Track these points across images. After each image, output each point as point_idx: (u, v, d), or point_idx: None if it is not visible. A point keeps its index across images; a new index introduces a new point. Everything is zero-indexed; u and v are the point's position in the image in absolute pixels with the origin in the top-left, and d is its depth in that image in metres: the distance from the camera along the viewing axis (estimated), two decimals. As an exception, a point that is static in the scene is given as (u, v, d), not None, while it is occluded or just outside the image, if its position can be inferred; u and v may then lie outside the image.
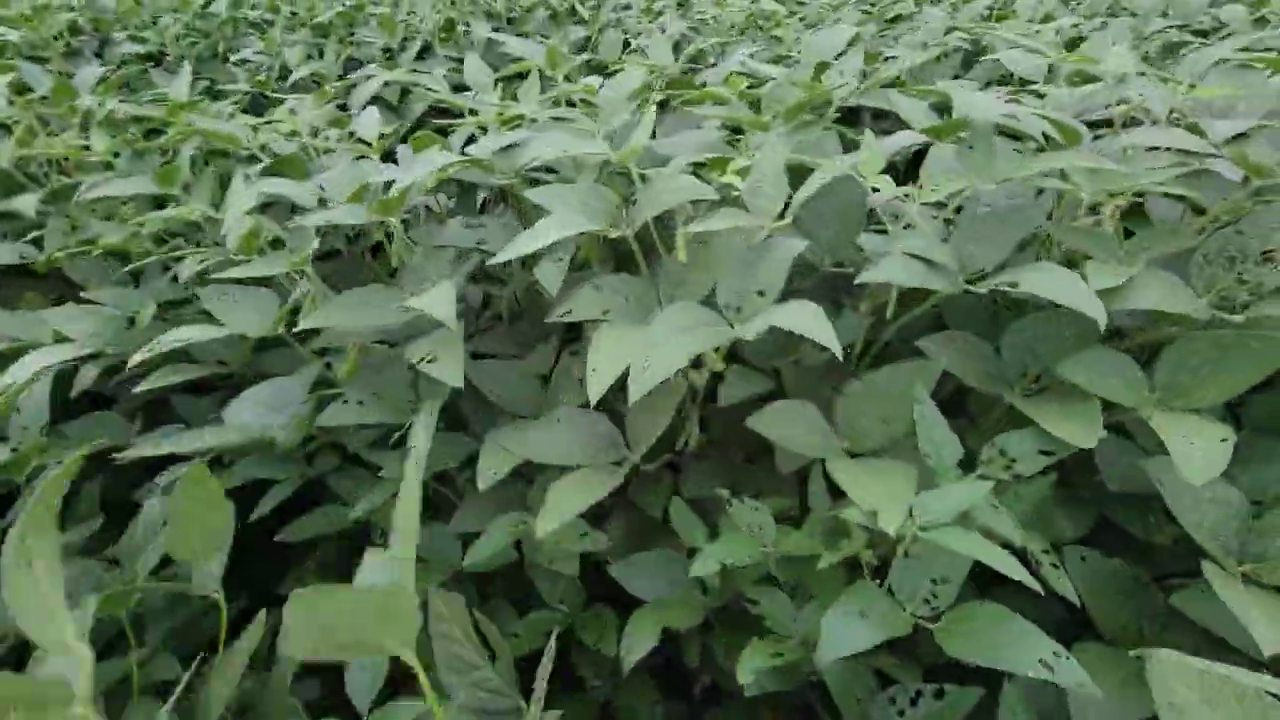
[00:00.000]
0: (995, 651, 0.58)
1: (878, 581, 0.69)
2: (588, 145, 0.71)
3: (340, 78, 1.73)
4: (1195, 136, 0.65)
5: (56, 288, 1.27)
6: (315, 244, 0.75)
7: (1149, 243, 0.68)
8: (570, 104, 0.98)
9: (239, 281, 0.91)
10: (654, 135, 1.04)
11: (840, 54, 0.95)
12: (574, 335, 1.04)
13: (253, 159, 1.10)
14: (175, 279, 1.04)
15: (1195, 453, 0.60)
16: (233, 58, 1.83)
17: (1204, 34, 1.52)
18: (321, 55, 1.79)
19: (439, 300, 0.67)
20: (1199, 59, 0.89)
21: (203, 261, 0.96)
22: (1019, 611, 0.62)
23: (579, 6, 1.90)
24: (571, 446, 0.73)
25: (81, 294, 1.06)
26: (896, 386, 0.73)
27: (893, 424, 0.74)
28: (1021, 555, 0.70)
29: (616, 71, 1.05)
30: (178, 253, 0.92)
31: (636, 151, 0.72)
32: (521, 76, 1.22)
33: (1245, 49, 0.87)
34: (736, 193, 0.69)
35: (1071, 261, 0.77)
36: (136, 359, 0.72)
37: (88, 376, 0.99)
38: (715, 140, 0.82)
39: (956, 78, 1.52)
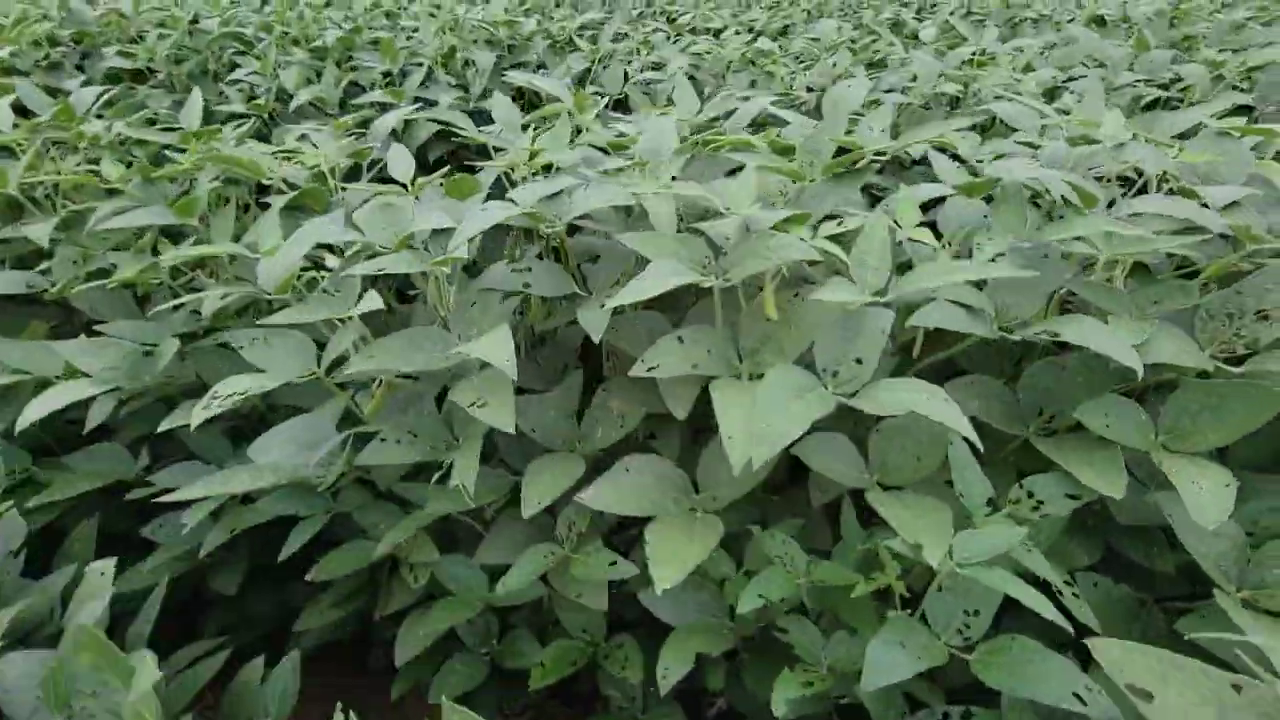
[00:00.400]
0: (1032, 684, 0.62)
1: (908, 611, 0.73)
2: (686, 189, 0.72)
3: (341, 103, 1.73)
4: (1197, 205, 0.72)
5: (56, 314, 1.23)
6: (370, 297, 0.76)
7: (1157, 298, 0.74)
8: (600, 149, 1.01)
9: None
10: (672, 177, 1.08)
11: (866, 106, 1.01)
12: (593, 363, 1.06)
13: (269, 189, 1.10)
14: (195, 313, 1.03)
15: (1204, 497, 0.66)
16: (226, 78, 1.81)
17: (1165, 87, 1.64)
18: (319, 78, 1.78)
19: (497, 347, 0.69)
20: (1176, 120, 0.97)
21: (225, 297, 0.96)
22: (1031, 627, 0.66)
23: (577, 38, 1.94)
24: (644, 497, 0.75)
25: (93, 326, 1.03)
26: (929, 426, 0.78)
27: (924, 461, 0.79)
28: (1045, 586, 0.75)
29: (637, 112, 1.08)
30: (200, 294, 0.91)
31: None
32: (532, 107, 1.25)
33: (1219, 115, 0.95)
34: (831, 257, 0.72)
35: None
36: (200, 417, 0.71)
37: (102, 411, 0.97)
38: (761, 189, 0.86)
39: (947, 116, 1.61)
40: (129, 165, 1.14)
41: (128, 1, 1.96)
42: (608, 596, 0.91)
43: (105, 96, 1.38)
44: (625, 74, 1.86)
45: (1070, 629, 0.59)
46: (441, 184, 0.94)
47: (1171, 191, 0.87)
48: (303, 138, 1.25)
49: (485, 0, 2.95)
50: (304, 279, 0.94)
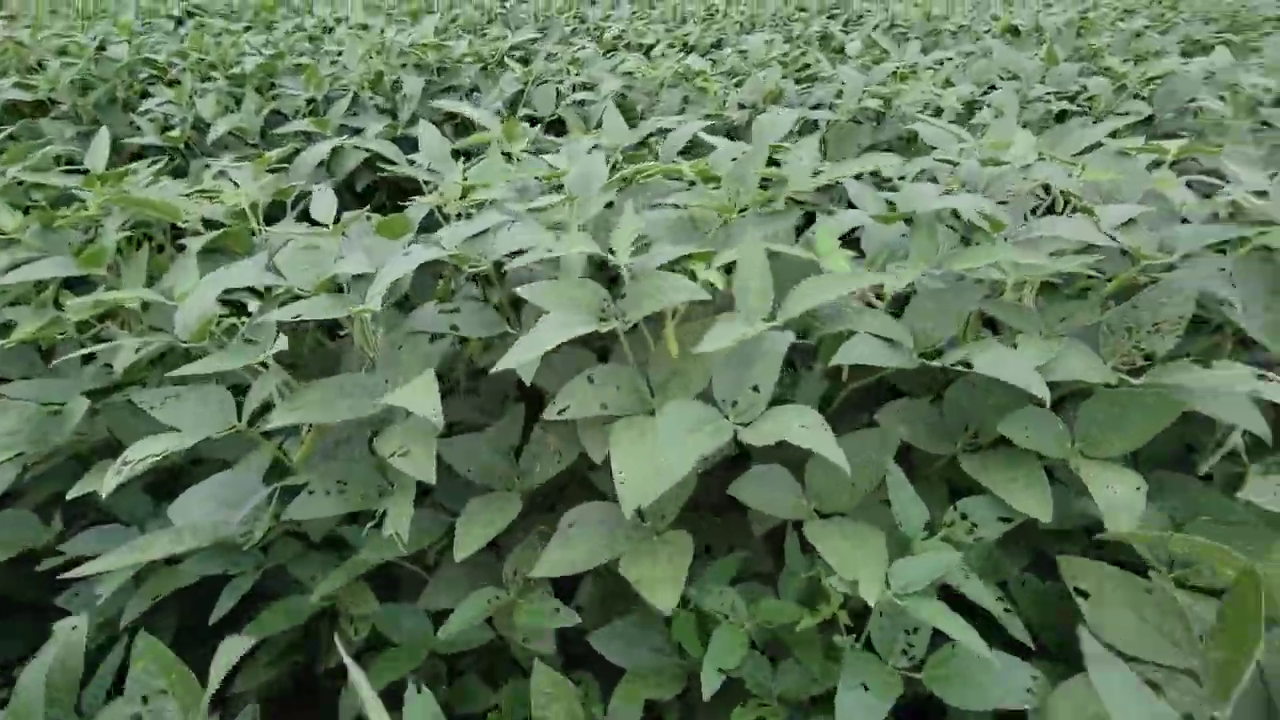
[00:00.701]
0: (987, 692, 0.64)
1: (853, 637, 0.74)
2: (581, 244, 0.73)
3: (263, 132, 1.67)
4: (1093, 228, 0.75)
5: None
6: (279, 341, 0.73)
7: (1065, 314, 0.78)
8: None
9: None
10: (610, 205, 1.08)
11: (791, 133, 1.03)
12: (535, 398, 1.05)
13: (186, 232, 1.05)
14: (107, 366, 0.97)
15: (1117, 500, 0.69)
16: (138, 108, 1.73)
17: (1073, 98, 1.72)
18: (239, 106, 1.72)
19: (422, 395, 0.67)
20: (1082, 137, 1.02)
21: (139, 350, 0.91)
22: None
23: (509, 59, 1.92)
24: (595, 545, 0.75)
25: (-9, 385, 0.97)
26: (863, 452, 0.80)
27: (859, 486, 0.80)
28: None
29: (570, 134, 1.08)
30: (111, 343, 0.86)
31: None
32: (469, 131, 1.23)
33: (1125, 127, 1.01)
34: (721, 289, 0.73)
35: (996, 330, 0.87)
36: (112, 484, 0.67)
37: (4, 480, 0.91)
38: (685, 222, 0.87)
39: (873, 130, 1.65)
40: (27, 211, 1.08)
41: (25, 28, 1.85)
42: (562, 634, 0.90)
43: (12, 149, 1.30)
44: (558, 94, 1.85)
45: (988, 654, 0.61)
46: (369, 220, 0.91)
47: (1075, 210, 0.92)
48: (221, 174, 1.21)
49: (416, 21, 2.91)
50: (224, 325, 0.90)
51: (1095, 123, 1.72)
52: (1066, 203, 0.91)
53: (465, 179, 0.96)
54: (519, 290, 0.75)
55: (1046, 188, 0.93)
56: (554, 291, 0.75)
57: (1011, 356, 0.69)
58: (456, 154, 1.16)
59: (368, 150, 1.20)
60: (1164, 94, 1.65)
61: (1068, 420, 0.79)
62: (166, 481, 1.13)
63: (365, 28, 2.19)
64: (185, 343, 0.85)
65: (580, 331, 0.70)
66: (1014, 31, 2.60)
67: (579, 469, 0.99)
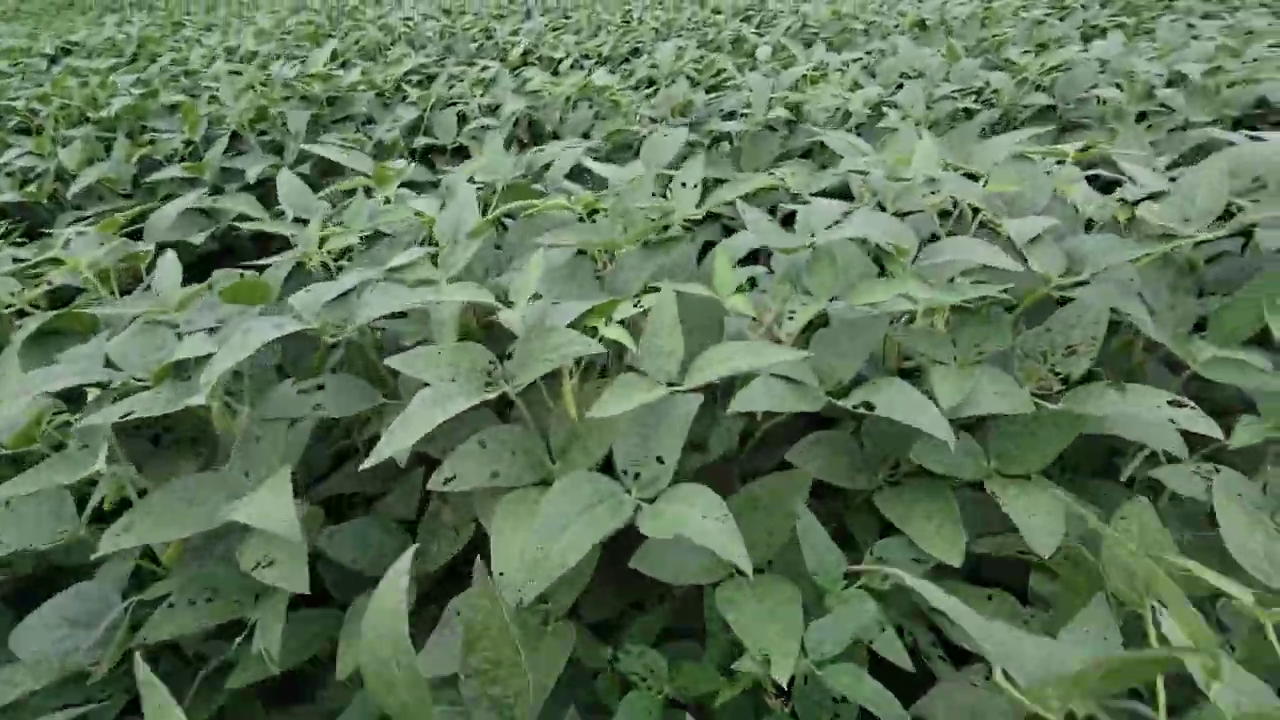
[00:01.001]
0: None
1: (782, 700, 0.69)
2: (459, 295, 0.65)
3: (135, 180, 1.53)
4: (1000, 252, 0.72)
5: None
6: (103, 454, 0.64)
7: (979, 339, 0.74)
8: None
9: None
10: (498, 245, 1.00)
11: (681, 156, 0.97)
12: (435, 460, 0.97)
13: (21, 313, 0.93)
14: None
15: (1036, 523, 0.66)
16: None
17: (978, 94, 1.72)
18: (109, 153, 1.58)
19: (273, 508, 0.58)
20: (991, 147, 0.99)
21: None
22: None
23: (405, 85, 1.81)
24: None
25: None
26: (775, 499, 0.74)
27: (775, 535, 0.74)
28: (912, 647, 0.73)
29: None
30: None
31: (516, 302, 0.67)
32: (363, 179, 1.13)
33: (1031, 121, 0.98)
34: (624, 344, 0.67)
35: (907, 357, 0.83)
36: None
37: None
38: (575, 262, 0.80)
39: (784, 139, 1.62)
40: None
41: None
42: None
43: None
44: (462, 119, 1.76)
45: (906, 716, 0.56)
46: (212, 287, 0.82)
47: (982, 224, 0.88)
48: (67, 244, 1.08)
49: (318, 45, 2.76)
50: (56, 422, 0.79)
51: (1001, 117, 1.73)
52: (975, 214, 0.88)
53: (327, 229, 0.87)
54: (389, 362, 0.67)
55: (955, 201, 0.89)
56: (429, 360, 0.66)
57: (912, 396, 0.64)
58: (334, 200, 1.06)
59: (244, 219, 1.10)
60: (1064, 84, 1.66)
61: (983, 439, 0.75)
62: (26, 588, 1.00)
63: (246, 57, 2.05)
64: (6, 449, 0.73)
65: (462, 406, 0.62)
66: (921, 26, 2.63)
67: (483, 542, 0.91)
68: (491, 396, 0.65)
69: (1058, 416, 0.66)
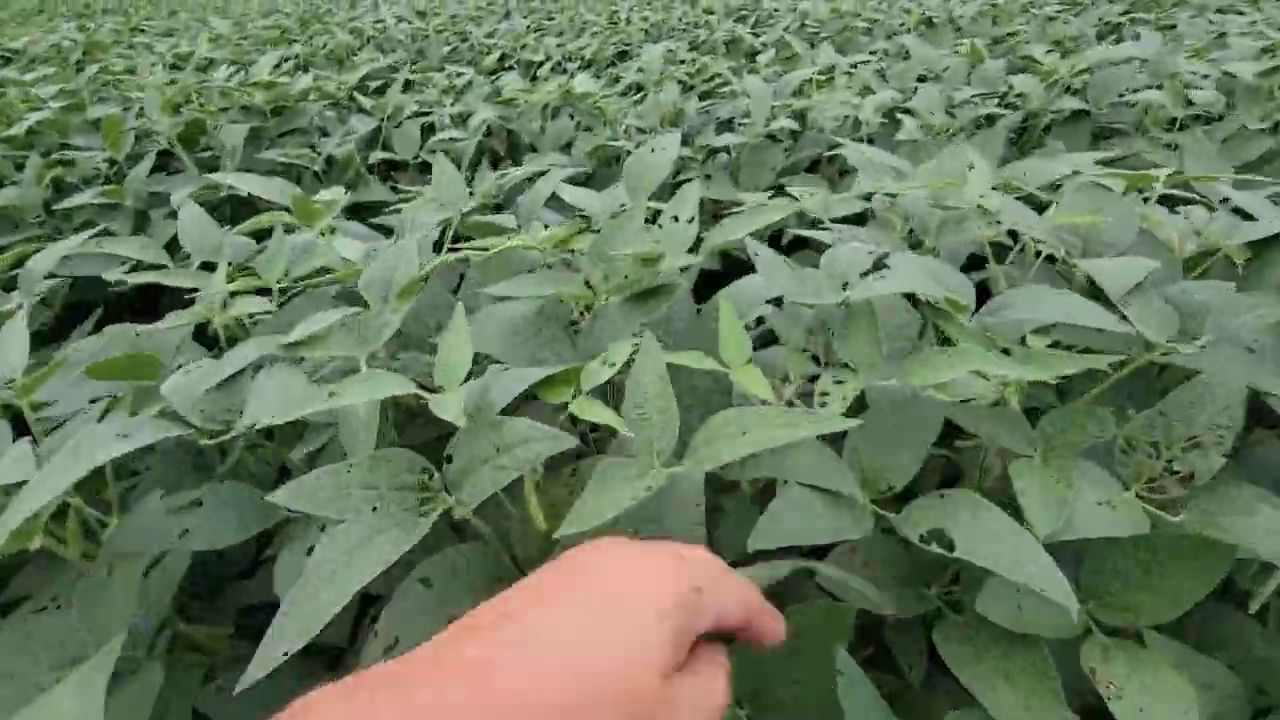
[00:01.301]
0: None
1: None
2: (370, 391, 0.48)
3: (47, 208, 1.34)
4: (1101, 310, 0.54)
5: None
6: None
7: (1065, 427, 0.56)
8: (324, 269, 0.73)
9: None
10: (454, 290, 0.82)
11: (669, 179, 0.80)
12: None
13: None
14: None
15: None
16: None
17: (1002, 97, 1.55)
18: (19, 173, 1.38)
19: (81, 699, 0.40)
20: (1046, 168, 0.82)
21: None
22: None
23: (360, 95, 1.63)
24: None
25: None
26: (812, 641, 0.56)
27: (809, 687, 0.57)
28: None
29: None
30: None
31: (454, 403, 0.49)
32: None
33: (1103, 163, 0.81)
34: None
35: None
36: None
37: None
38: (540, 320, 0.62)
39: (787, 151, 1.44)
40: None
41: None
42: None
43: None
44: (430, 129, 1.57)
45: None
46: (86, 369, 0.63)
47: (1051, 260, 0.71)
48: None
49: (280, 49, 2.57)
50: None
51: (1024, 123, 1.56)
52: (1038, 253, 0.70)
53: (237, 279, 0.69)
54: (274, 497, 0.48)
55: (1014, 235, 0.72)
56: (337, 484, 0.48)
57: (1005, 526, 0.47)
58: (259, 236, 0.88)
59: (133, 270, 0.91)
60: (1098, 86, 1.50)
61: (1065, 565, 0.57)
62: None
63: (178, 62, 1.85)
64: None
65: (387, 559, 0.44)
66: (929, 24, 2.46)
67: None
68: (427, 529, 0.47)
69: (1197, 543, 0.48)
